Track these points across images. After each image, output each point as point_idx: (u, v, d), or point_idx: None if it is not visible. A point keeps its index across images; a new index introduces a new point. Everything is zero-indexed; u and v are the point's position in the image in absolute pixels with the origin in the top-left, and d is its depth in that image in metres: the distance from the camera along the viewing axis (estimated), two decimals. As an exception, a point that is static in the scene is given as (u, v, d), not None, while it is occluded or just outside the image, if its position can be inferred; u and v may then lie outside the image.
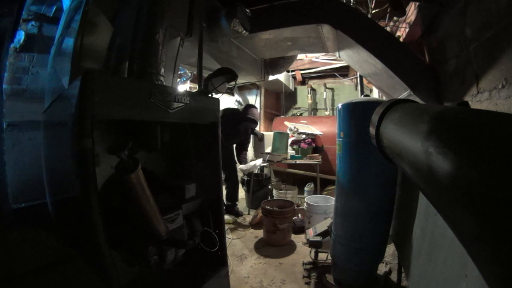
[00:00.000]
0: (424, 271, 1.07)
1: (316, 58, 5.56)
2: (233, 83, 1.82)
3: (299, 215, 2.95)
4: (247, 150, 3.69)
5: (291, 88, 6.08)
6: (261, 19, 2.58)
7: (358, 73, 4.52)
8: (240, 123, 3.23)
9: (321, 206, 2.61)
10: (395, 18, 3.05)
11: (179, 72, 3.50)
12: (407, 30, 2.68)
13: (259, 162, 3.57)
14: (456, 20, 1.63)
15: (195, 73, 3.75)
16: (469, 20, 1.49)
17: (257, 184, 3.56)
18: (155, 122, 1.24)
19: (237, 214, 3.29)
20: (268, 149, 4.07)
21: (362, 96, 2.53)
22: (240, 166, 3.47)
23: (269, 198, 3.33)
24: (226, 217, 2.98)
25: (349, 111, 1.64)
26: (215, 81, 1.62)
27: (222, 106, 1.80)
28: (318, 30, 2.57)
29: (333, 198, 1.99)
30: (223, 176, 3.35)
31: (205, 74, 1.80)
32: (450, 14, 1.70)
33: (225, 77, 1.71)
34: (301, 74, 6.22)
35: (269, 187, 3.71)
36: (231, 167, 3.37)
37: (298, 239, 2.63)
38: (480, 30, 1.39)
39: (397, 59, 2.13)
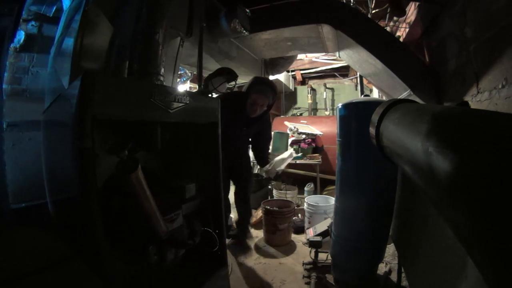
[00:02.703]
0: (424, 271, 1.07)
1: (316, 58, 5.57)
2: (233, 83, 1.82)
3: (299, 215, 2.95)
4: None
5: (291, 88, 6.08)
6: (261, 19, 2.58)
7: (358, 73, 4.52)
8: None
9: (321, 206, 2.61)
10: (395, 18, 3.05)
11: (179, 72, 3.49)
12: (407, 30, 2.68)
13: (287, 154, 2.73)
14: (456, 20, 1.63)
15: (195, 73, 3.74)
16: (469, 20, 1.49)
17: (257, 184, 3.56)
18: (155, 122, 1.24)
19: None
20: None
21: (362, 96, 2.53)
22: (265, 168, 2.59)
23: (269, 198, 3.32)
24: None
25: (349, 111, 1.64)
26: (215, 81, 1.62)
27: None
28: (318, 30, 2.57)
29: (333, 198, 1.99)
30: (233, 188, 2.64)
31: (205, 74, 1.80)
32: (450, 14, 1.70)
33: (225, 77, 1.71)
34: (301, 74, 6.22)
35: (269, 187, 3.71)
36: (246, 178, 2.56)
37: (298, 239, 2.63)
38: (480, 30, 1.39)
39: (397, 59, 2.13)
